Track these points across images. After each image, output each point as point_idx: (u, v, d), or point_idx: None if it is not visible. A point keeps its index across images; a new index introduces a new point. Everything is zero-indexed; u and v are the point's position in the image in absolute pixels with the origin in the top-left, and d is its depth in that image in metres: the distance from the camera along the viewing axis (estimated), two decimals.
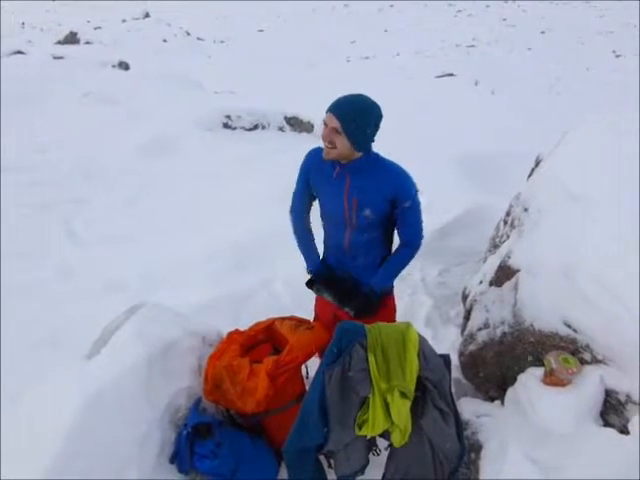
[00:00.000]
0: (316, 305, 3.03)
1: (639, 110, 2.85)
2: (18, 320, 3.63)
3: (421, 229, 2.54)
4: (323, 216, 2.65)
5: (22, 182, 5.90)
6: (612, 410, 2.15)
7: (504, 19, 32.54)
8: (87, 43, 20.28)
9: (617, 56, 20.61)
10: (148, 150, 7.17)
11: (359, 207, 2.38)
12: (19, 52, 14.30)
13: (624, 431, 2.06)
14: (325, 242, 2.76)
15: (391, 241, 2.63)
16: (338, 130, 2.21)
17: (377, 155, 2.40)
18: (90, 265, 4.52)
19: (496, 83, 15.34)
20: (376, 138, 2.34)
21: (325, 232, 2.73)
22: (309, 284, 2.77)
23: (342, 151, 2.27)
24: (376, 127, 2.29)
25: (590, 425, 2.10)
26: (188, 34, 27.94)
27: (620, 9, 30.35)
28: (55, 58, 12.75)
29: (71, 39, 20.06)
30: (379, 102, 2.27)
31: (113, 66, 12.79)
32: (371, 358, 1.96)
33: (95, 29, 25.91)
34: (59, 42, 19.65)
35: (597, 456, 1.99)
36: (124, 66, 13.15)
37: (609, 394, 2.15)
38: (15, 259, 4.41)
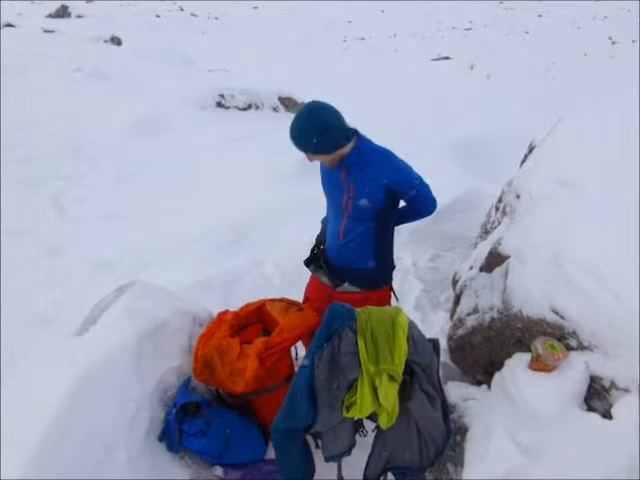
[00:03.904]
0: (308, 287, 3.04)
1: (638, 98, 2.84)
2: (8, 297, 3.61)
3: (433, 204, 2.64)
4: (327, 203, 2.74)
5: (9, 158, 5.83)
6: (596, 395, 2.18)
7: (501, 2, 32.30)
8: (78, 17, 19.90)
9: (613, 43, 20.54)
10: (140, 127, 7.10)
11: (356, 195, 2.45)
12: (9, 25, 14.02)
13: (607, 416, 2.09)
14: (327, 229, 2.82)
15: (385, 236, 2.66)
16: (310, 155, 2.38)
17: (369, 143, 2.44)
18: (80, 243, 4.50)
19: (492, 67, 15.29)
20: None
21: (327, 219, 2.82)
22: (307, 262, 2.85)
23: (329, 160, 2.41)
24: (338, 123, 2.31)
25: (574, 410, 2.13)
26: (182, 10, 27.51)
27: None
28: (46, 32, 12.53)
29: (62, 12, 19.66)
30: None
31: (105, 41, 12.60)
32: (360, 341, 1.97)
33: (87, 2, 25.42)
34: (50, 15, 19.25)
35: (580, 440, 2.01)
36: (116, 41, 12.95)
37: (594, 380, 2.17)
38: (4, 236, 4.37)
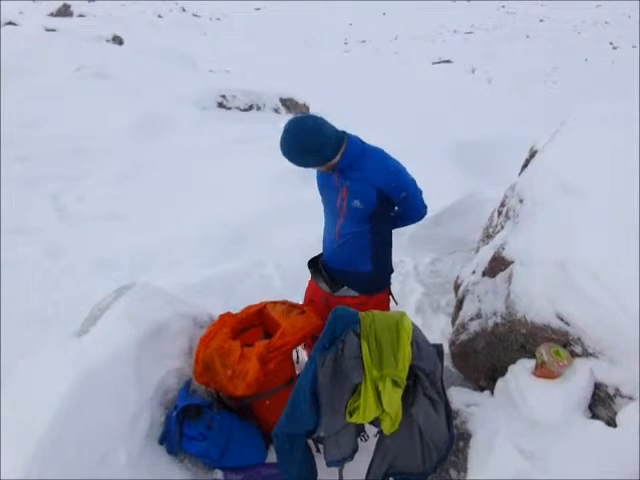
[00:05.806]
0: (307, 290, 3.02)
1: (638, 102, 2.83)
2: (7, 297, 3.59)
3: (423, 209, 2.64)
4: (323, 207, 2.73)
5: (10, 157, 5.80)
6: (600, 403, 2.16)
7: (503, 6, 32.37)
8: (80, 16, 19.92)
9: (614, 48, 20.57)
10: (141, 127, 7.09)
11: (349, 196, 2.44)
12: (11, 23, 14.00)
13: (611, 424, 2.07)
14: (323, 236, 2.81)
15: (382, 239, 2.64)
16: (310, 168, 2.41)
17: (359, 145, 2.42)
18: (80, 243, 4.47)
19: (493, 71, 15.31)
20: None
21: (324, 225, 2.80)
22: (310, 264, 2.84)
23: (323, 169, 2.44)
24: (323, 140, 2.27)
25: (578, 417, 2.12)
26: (184, 10, 27.53)
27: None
28: (48, 30, 12.51)
29: (64, 11, 19.68)
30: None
31: (107, 40, 12.60)
32: (364, 345, 1.95)
33: (89, 2, 25.41)
34: (52, 14, 19.25)
35: (584, 447, 2.00)
36: (118, 41, 12.95)
37: (598, 387, 2.16)
38: (4, 236, 4.35)
